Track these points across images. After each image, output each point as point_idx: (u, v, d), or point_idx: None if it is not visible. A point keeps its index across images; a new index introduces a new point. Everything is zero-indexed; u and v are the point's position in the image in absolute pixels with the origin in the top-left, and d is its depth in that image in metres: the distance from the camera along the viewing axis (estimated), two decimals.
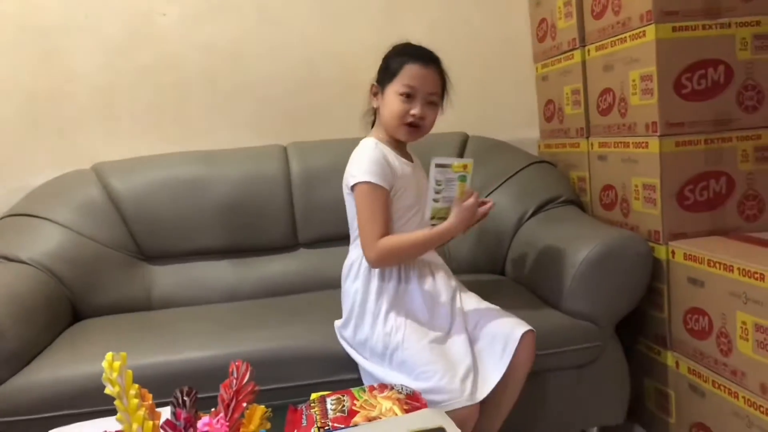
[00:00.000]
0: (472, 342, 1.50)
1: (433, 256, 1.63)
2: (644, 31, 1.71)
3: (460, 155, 2.22)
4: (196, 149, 2.20)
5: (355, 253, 1.58)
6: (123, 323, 1.83)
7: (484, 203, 1.52)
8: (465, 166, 1.48)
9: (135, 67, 2.30)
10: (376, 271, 1.53)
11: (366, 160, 1.51)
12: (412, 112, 1.52)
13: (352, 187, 1.52)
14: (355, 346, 1.55)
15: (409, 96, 1.52)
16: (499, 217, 2.08)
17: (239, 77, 2.35)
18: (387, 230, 1.51)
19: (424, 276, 1.57)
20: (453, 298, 1.56)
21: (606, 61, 1.92)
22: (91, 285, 1.94)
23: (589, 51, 2.02)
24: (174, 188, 2.07)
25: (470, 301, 1.59)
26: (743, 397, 1.49)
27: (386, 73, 1.56)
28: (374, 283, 1.53)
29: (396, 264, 1.53)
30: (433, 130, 2.28)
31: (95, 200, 2.04)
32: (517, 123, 2.47)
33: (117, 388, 0.82)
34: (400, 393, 1.27)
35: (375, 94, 1.59)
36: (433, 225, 1.50)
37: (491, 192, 2.13)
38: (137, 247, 2.05)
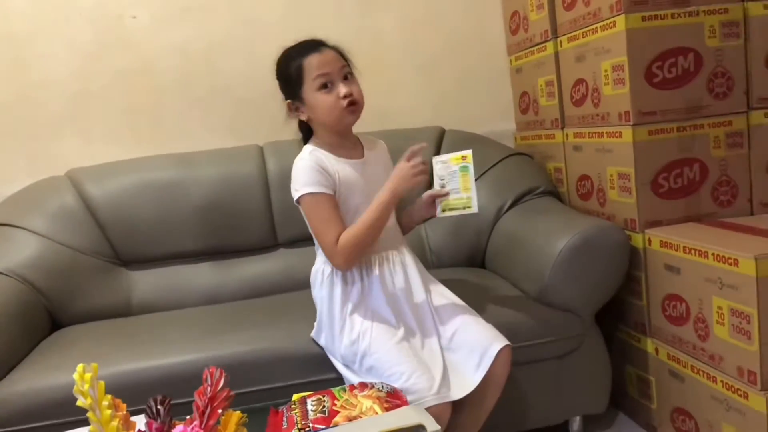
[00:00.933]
0: (444, 349, 1.49)
1: (401, 254, 1.58)
2: (614, 21, 1.71)
3: (437, 150, 2.21)
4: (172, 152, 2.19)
5: (319, 260, 1.57)
6: (102, 330, 1.82)
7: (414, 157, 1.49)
8: (464, 157, 1.50)
9: (107, 72, 2.27)
10: (339, 277, 1.52)
11: (302, 172, 1.48)
12: (341, 94, 1.48)
13: (298, 201, 1.50)
14: (331, 353, 1.55)
15: (327, 85, 1.48)
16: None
17: (213, 78, 2.34)
18: (341, 231, 1.48)
19: (386, 277, 1.53)
20: (421, 296, 1.55)
21: (578, 52, 1.92)
22: (69, 293, 1.92)
23: (561, 42, 2.03)
24: (150, 192, 2.05)
25: (444, 301, 1.57)
26: (721, 381, 1.51)
27: (291, 84, 1.51)
28: (338, 289, 1.52)
29: (363, 254, 1.50)
30: (410, 125, 2.30)
31: (70, 207, 2.02)
32: (492, 116, 2.47)
33: (89, 400, 0.82)
34: (381, 391, 1.27)
35: (296, 109, 1.54)
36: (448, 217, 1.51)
37: None
38: (114, 252, 2.03)
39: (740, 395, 1.45)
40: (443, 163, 1.53)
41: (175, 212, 2.05)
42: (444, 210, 1.52)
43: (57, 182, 2.08)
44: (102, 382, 0.86)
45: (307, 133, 1.60)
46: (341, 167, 1.51)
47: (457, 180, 1.51)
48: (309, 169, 1.47)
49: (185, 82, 2.32)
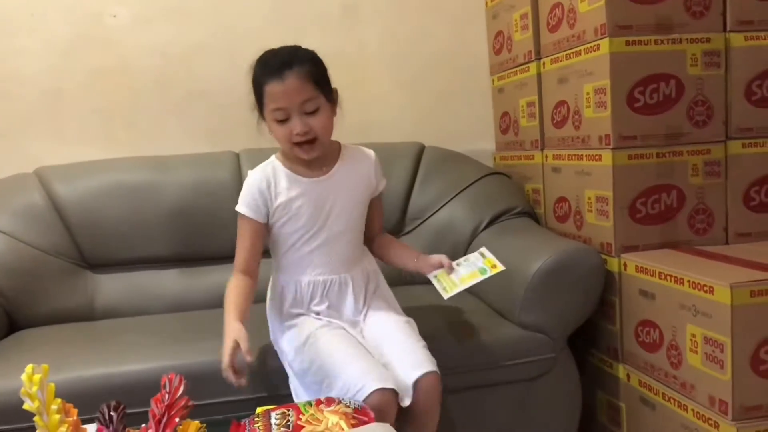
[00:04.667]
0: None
1: (348, 279, 1.53)
2: (598, 44, 1.71)
3: (416, 164, 2.20)
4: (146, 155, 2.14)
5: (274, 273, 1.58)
6: (61, 334, 1.76)
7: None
8: (494, 266, 1.53)
9: (83, 70, 2.23)
10: (277, 287, 1.54)
11: (244, 188, 1.50)
12: (295, 131, 1.40)
13: None
14: (284, 360, 1.53)
15: (283, 120, 1.41)
16: (453, 228, 2.07)
17: (192, 82, 2.30)
18: (245, 265, 1.49)
19: (323, 297, 1.52)
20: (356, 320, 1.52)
21: (561, 73, 1.92)
22: (30, 294, 1.86)
23: (544, 64, 2.03)
24: (121, 194, 2.00)
25: (376, 327, 1.50)
26: (692, 410, 1.50)
27: (257, 98, 1.46)
28: (276, 299, 1.54)
29: None
30: (390, 139, 2.27)
31: (37, 205, 1.96)
32: (473, 134, 2.46)
33: (37, 404, 0.77)
34: (348, 407, 1.23)
35: (264, 120, 1.48)
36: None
37: (446, 202, 2.11)
38: (80, 254, 1.97)
39: (711, 425, 1.44)
40: (479, 254, 1.56)
41: (145, 216, 1.99)
42: (434, 276, 1.56)
43: (24, 179, 2.02)
44: (52, 385, 0.81)
45: None
46: (292, 184, 1.48)
47: (467, 270, 1.54)
48: (248, 189, 1.49)
49: (163, 85, 2.28)
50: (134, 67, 2.26)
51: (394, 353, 1.41)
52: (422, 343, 1.45)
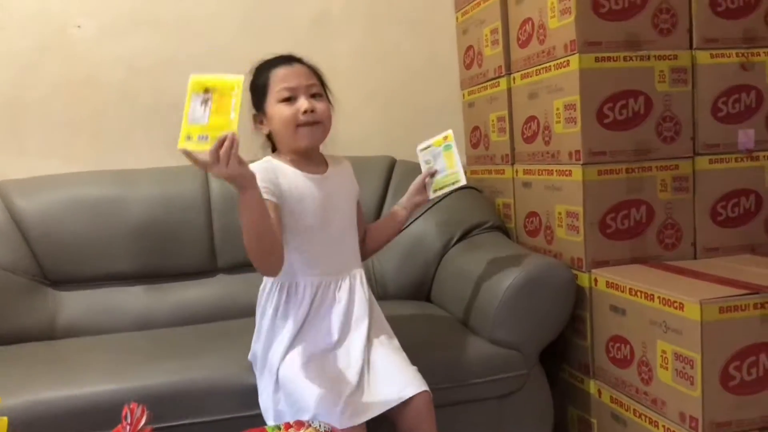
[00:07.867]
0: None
1: (357, 278, 1.52)
2: (568, 60, 1.72)
3: (387, 179, 2.19)
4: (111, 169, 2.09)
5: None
6: (19, 354, 1.70)
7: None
8: (445, 138, 1.61)
9: (47, 82, 2.17)
10: (277, 292, 1.46)
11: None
12: (302, 109, 1.43)
13: None
14: (260, 374, 1.47)
15: (290, 99, 1.44)
16: (424, 243, 2.06)
17: (160, 95, 2.25)
18: None
19: (341, 300, 1.48)
20: (364, 326, 1.48)
21: (531, 89, 1.93)
22: None
23: (514, 79, 2.03)
24: (84, 208, 1.95)
25: (378, 338, 1.50)
26: (663, 426, 1.50)
27: (257, 95, 1.48)
28: (271, 306, 1.46)
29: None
30: (360, 153, 2.25)
31: None
32: None
33: None
34: (318, 429, 1.21)
35: (261, 122, 1.50)
36: (439, 198, 1.64)
37: (418, 217, 2.10)
38: (41, 270, 1.92)
39: None
40: (427, 148, 1.64)
41: (109, 231, 1.95)
42: (435, 190, 1.62)
43: None
44: (4, 419, 0.77)
45: (275, 148, 1.55)
46: (298, 180, 1.46)
47: (442, 160, 1.60)
48: (259, 168, 1.42)
49: (129, 97, 2.23)
50: (100, 80, 2.21)
51: (385, 372, 1.41)
52: (414, 367, 1.44)
